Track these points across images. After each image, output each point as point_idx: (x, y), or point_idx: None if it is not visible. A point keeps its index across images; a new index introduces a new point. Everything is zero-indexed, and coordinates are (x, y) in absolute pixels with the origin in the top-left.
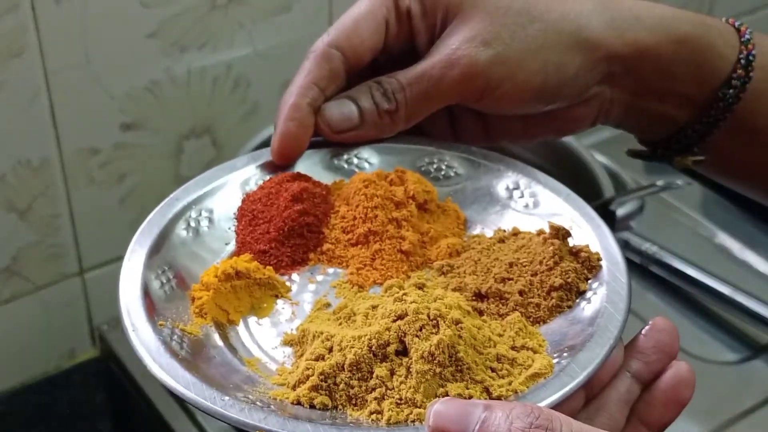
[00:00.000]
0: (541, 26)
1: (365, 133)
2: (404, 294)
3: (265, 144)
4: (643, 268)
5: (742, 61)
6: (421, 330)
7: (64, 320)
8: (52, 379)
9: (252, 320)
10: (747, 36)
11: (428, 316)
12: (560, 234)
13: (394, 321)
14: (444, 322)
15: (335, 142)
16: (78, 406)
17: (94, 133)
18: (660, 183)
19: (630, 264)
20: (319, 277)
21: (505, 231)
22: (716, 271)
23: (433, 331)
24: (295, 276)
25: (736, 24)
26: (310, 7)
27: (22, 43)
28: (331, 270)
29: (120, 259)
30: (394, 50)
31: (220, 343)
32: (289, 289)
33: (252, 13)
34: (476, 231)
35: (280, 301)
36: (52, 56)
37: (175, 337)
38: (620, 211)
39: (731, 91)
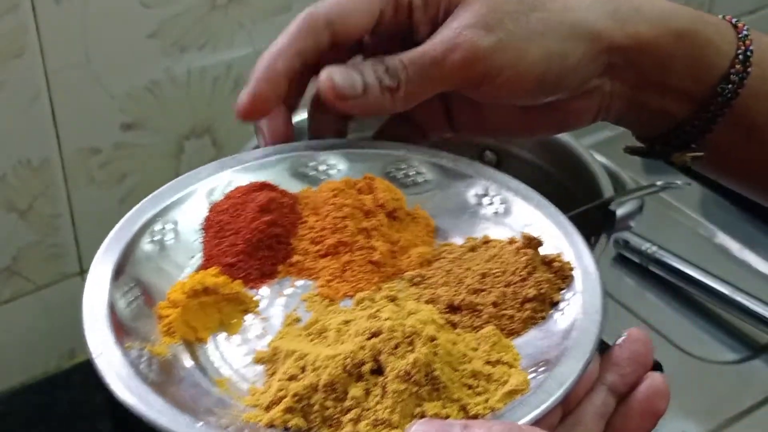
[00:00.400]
0: (543, 15)
1: (364, 106)
2: (378, 310)
3: None
4: (643, 268)
5: (740, 57)
6: (396, 348)
7: (64, 320)
8: (52, 379)
9: (221, 337)
10: (744, 32)
11: (403, 334)
12: (533, 243)
13: (369, 339)
14: (419, 339)
15: (309, 141)
16: (78, 406)
17: (95, 133)
18: (660, 183)
19: (630, 264)
20: (289, 290)
21: (475, 239)
22: (716, 271)
23: (409, 349)
24: (264, 289)
25: (734, 21)
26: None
27: (23, 43)
28: (300, 282)
29: None
30: (383, 35)
31: (189, 363)
32: (257, 304)
33: (252, 13)
34: (446, 239)
35: (249, 317)
36: (53, 56)
37: (144, 359)
38: (620, 211)
39: (729, 86)
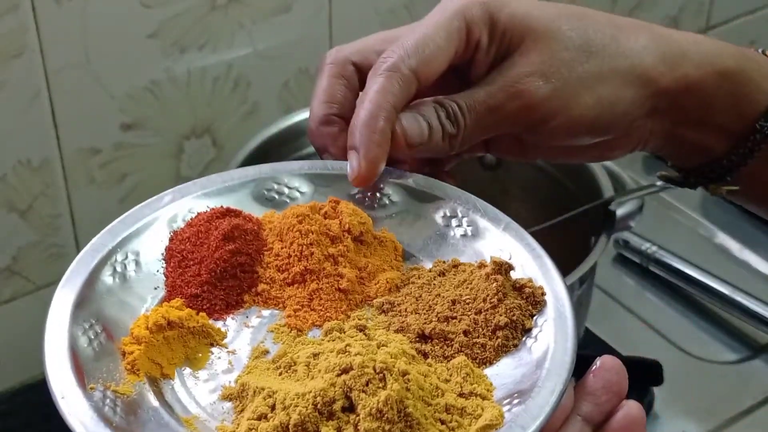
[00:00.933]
0: (597, 62)
1: (425, 151)
2: (348, 345)
3: (265, 145)
4: (643, 268)
5: None
6: (367, 385)
7: None
8: None
9: (187, 372)
10: None
11: (374, 369)
12: (503, 269)
13: (339, 375)
14: (391, 375)
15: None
16: None
17: (95, 133)
18: (659, 183)
19: (630, 264)
20: (255, 321)
21: (444, 262)
22: (716, 271)
23: (380, 385)
24: (229, 320)
25: None
26: (310, 7)
27: (23, 43)
28: (267, 312)
29: None
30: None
31: (155, 402)
32: (224, 336)
33: (252, 13)
34: (415, 262)
35: (215, 350)
36: (53, 56)
37: (108, 401)
38: (620, 211)
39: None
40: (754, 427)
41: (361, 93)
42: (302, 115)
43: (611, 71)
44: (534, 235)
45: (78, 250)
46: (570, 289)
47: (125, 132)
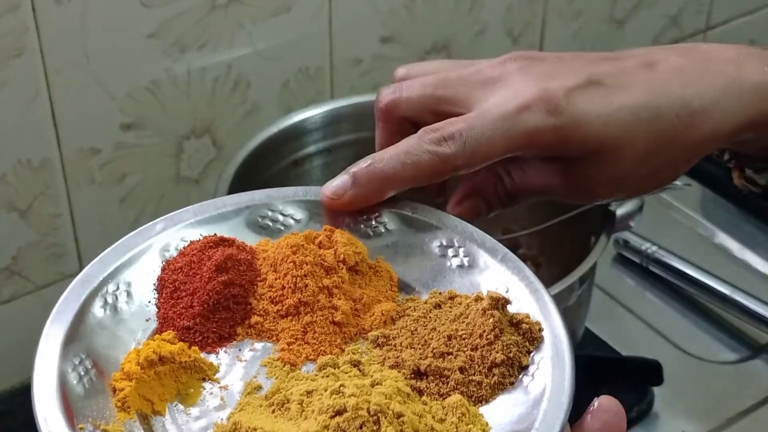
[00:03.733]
0: (663, 157)
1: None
2: (342, 385)
3: (265, 145)
4: (643, 268)
5: None
6: (361, 428)
7: None
8: None
9: (179, 409)
10: None
11: (368, 412)
12: (500, 304)
13: (333, 417)
14: (385, 418)
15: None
16: None
17: (95, 133)
18: None
19: (630, 264)
20: (248, 354)
21: (440, 293)
22: (716, 271)
23: (374, 428)
24: (222, 353)
25: None
26: (310, 7)
27: (23, 43)
28: (260, 345)
29: None
30: None
31: None
32: (216, 370)
33: (252, 13)
34: (410, 293)
35: (207, 385)
36: (53, 56)
37: None
38: (620, 211)
39: None
40: (754, 427)
41: (405, 138)
42: (302, 115)
43: (673, 161)
44: (534, 235)
45: (78, 250)
46: (569, 289)
47: (125, 132)
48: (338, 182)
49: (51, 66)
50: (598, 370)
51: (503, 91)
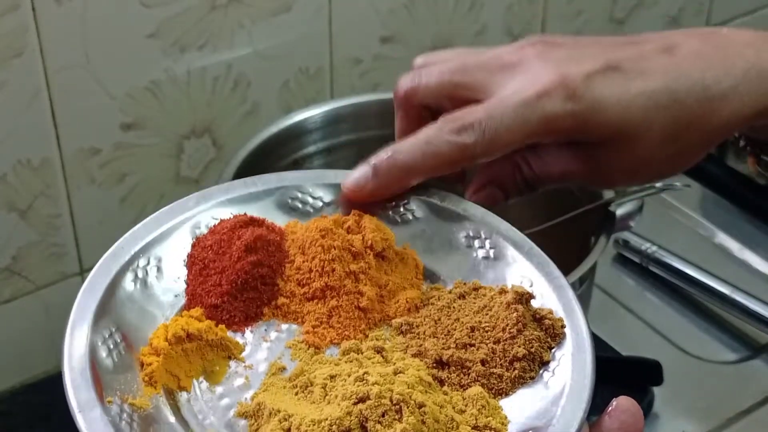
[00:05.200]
0: (682, 144)
1: None
2: (366, 372)
3: (265, 144)
4: (643, 268)
5: None
6: (383, 416)
7: (64, 320)
8: (52, 379)
9: (204, 386)
10: None
11: (391, 400)
12: (524, 298)
13: (355, 404)
14: (407, 407)
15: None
16: None
17: (95, 133)
18: (659, 185)
19: (630, 264)
20: (273, 335)
21: (465, 284)
22: (716, 271)
23: (396, 417)
24: (248, 333)
25: None
26: (310, 7)
27: (23, 43)
28: (285, 326)
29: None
30: None
31: (171, 418)
32: (242, 349)
33: (252, 13)
34: (435, 281)
35: (233, 363)
36: (53, 56)
37: (125, 415)
38: (620, 211)
39: None
40: (754, 427)
41: (425, 128)
42: (302, 115)
43: (691, 146)
44: (534, 235)
45: (78, 250)
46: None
47: (125, 132)
48: (359, 174)
49: (51, 66)
50: (598, 370)
51: (522, 77)
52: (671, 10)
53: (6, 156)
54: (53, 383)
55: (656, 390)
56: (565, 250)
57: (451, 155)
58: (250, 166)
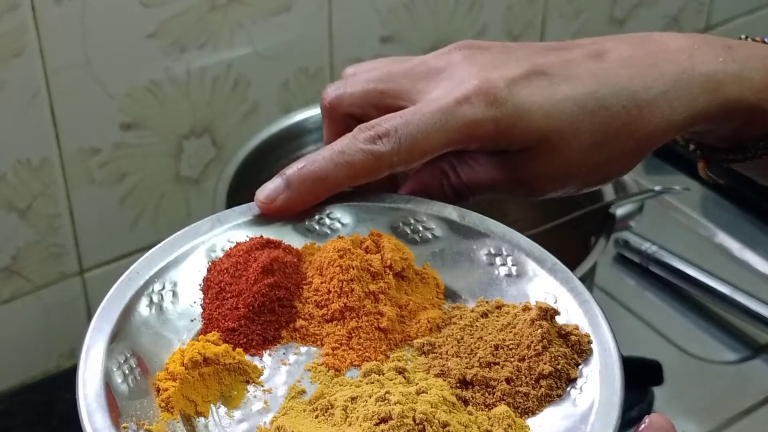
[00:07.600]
0: (608, 151)
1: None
2: (387, 392)
3: (265, 144)
4: (643, 268)
5: None
6: None
7: (63, 320)
8: (52, 379)
9: (222, 411)
10: None
11: (414, 420)
12: (548, 314)
13: (377, 425)
14: (431, 426)
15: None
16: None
17: (94, 132)
18: (658, 188)
19: (630, 264)
20: (292, 358)
21: (487, 302)
22: (716, 271)
23: None
24: (266, 356)
25: None
26: (310, 7)
27: (22, 43)
28: (304, 349)
29: (120, 258)
30: None
31: None
32: (260, 373)
33: (252, 13)
34: (457, 300)
35: (251, 387)
36: (52, 56)
37: None
38: (620, 211)
39: None
40: (754, 427)
41: (341, 138)
42: (302, 115)
43: (621, 154)
44: (535, 236)
45: (78, 250)
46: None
47: (125, 132)
48: (271, 186)
49: (51, 66)
50: None
51: (445, 84)
52: (671, 10)
53: (6, 156)
54: (53, 383)
55: (656, 390)
56: (565, 251)
57: (365, 164)
58: (250, 166)
